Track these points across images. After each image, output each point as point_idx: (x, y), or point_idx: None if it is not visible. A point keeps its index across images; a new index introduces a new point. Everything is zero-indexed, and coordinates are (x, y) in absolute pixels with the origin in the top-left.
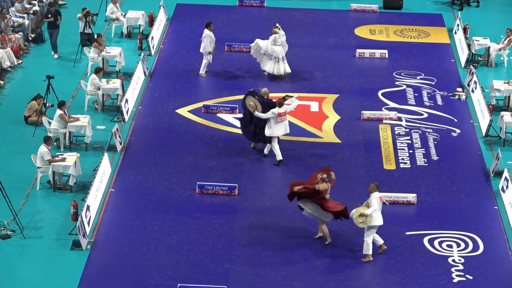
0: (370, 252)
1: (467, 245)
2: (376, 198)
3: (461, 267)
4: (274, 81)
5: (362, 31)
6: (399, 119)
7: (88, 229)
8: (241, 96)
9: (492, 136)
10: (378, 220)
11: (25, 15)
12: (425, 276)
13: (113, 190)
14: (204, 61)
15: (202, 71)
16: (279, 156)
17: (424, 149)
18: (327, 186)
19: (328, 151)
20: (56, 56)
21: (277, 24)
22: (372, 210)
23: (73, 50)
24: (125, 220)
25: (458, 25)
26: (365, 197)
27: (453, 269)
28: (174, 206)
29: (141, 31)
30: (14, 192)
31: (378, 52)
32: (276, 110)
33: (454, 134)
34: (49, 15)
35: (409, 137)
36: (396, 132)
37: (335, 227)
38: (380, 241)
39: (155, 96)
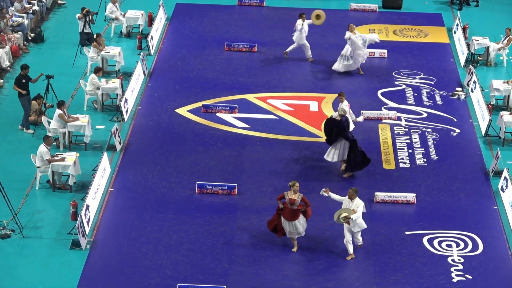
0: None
1: (466, 245)
2: (362, 205)
3: (460, 266)
4: (272, 80)
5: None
6: (399, 118)
7: (87, 229)
8: (240, 96)
9: (491, 135)
10: (363, 224)
11: (24, 15)
12: (425, 275)
13: (112, 189)
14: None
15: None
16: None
17: (423, 149)
18: (293, 197)
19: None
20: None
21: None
22: (357, 216)
23: (73, 50)
24: (125, 219)
25: (457, 24)
26: (364, 197)
27: (452, 269)
28: (174, 206)
29: (140, 30)
30: (14, 192)
31: (377, 52)
32: None
33: (454, 134)
34: (23, 81)
35: (408, 137)
36: (395, 132)
37: (334, 227)
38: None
39: (154, 96)
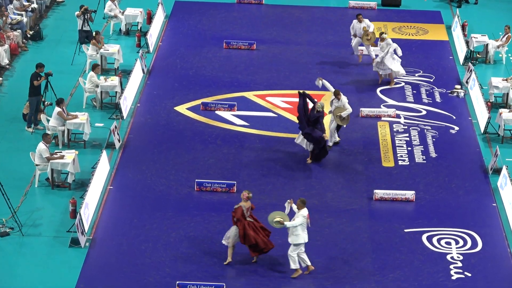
0: (298, 266)
1: (465, 242)
2: (303, 217)
3: (459, 264)
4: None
5: None
6: (398, 116)
7: (86, 227)
8: (239, 94)
9: (490, 133)
10: (302, 238)
11: (23, 13)
12: (424, 273)
13: (111, 187)
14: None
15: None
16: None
17: (422, 146)
18: (246, 204)
19: None
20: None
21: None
22: (291, 225)
23: (72, 48)
24: (124, 217)
25: (456, 22)
26: (363, 194)
27: (451, 266)
28: (173, 204)
29: (139, 28)
30: (13, 190)
31: (376, 49)
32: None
33: (453, 131)
34: (38, 78)
35: (407, 134)
36: (394, 129)
37: (332, 225)
38: (308, 262)
39: (153, 94)
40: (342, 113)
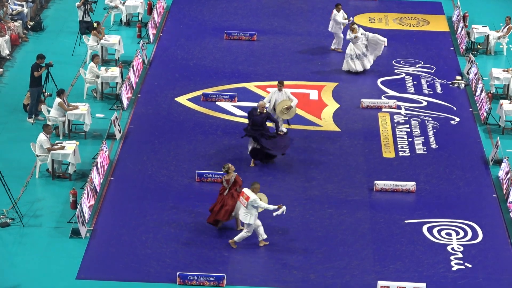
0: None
1: (466, 233)
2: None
3: (460, 255)
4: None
5: (361, 19)
6: (398, 107)
7: (87, 217)
8: (239, 84)
9: (491, 124)
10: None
11: (24, 3)
12: (424, 264)
13: (112, 178)
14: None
15: (333, 46)
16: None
17: (423, 137)
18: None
19: (327, 139)
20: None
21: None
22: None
23: (72, 38)
24: (124, 208)
25: (457, 13)
26: (364, 185)
27: (452, 257)
28: (173, 195)
29: (140, 19)
30: (14, 180)
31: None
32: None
33: (453, 122)
34: (39, 69)
35: (408, 125)
36: (395, 120)
37: (333, 216)
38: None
39: (154, 84)
40: (289, 105)
